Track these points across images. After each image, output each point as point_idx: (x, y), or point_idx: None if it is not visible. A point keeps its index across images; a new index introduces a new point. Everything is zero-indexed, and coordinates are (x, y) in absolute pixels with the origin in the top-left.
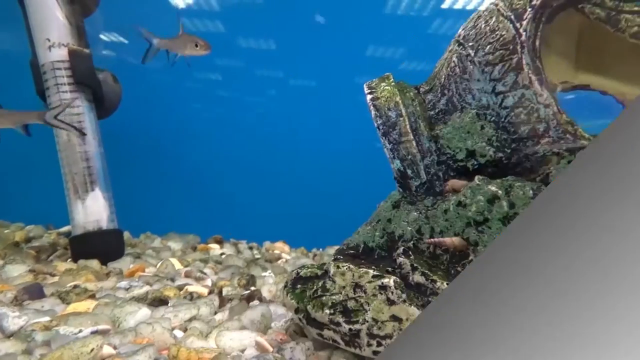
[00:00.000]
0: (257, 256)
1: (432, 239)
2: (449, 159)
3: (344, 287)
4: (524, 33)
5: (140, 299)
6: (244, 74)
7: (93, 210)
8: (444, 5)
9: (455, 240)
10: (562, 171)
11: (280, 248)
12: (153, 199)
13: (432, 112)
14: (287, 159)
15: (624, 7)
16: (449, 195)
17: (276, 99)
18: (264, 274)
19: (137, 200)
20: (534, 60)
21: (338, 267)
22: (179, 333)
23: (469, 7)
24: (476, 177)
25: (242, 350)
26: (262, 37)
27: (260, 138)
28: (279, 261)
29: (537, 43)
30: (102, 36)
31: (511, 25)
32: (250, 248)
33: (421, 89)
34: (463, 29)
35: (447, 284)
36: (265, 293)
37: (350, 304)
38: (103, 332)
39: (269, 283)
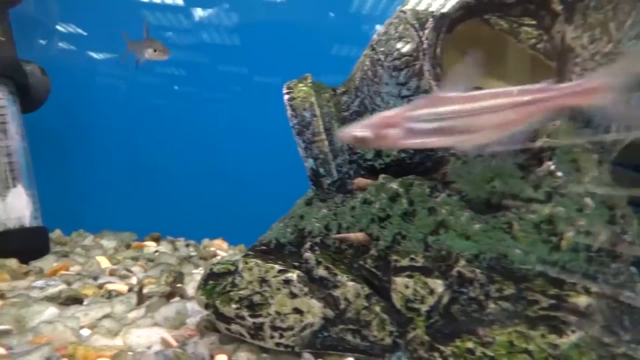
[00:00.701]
0: (193, 253)
1: (338, 235)
2: (359, 158)
3: (251, 282)
4: (426, 41)
5: (52, 298)
6: (188, 68)
7: (15, 207)
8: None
9: (359, 235)
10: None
11: (218, 245)
12: (89, 196)
13: (347, 113)
14: (233, 156)
15: (524, 20)
16: (357, 192)
17: (231, 95)
18: (194, 271)
19: (72, 197)
20: (435, 67)
21: (246, 262)
22: (86, 332)
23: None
24: (380, 176)
25: (149, 347)
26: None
27: (207, 134)
28: (214, 258)
29: (438, 51)
30: (58, 27)
31: (415, 34)
32: (187, 245)
33: (338, 91)
34: (377, 35)
35: (347, 277)
36: (190, 290)
37: (256, 298)
38: (3, 333)
39: (197, 280)
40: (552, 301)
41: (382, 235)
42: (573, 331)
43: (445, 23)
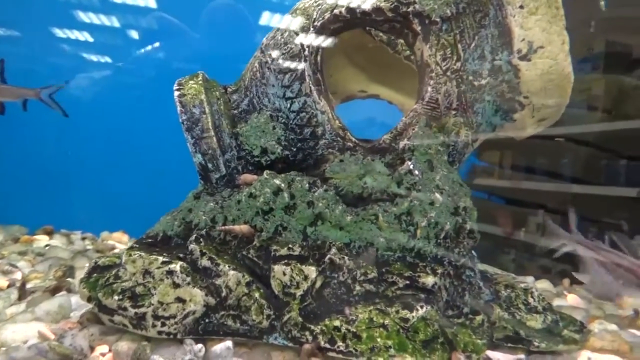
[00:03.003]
0: (89, 247)
1: (223, 227)
2: (247, 154)
3: (134, 274)
4: (307, 48)
5: None
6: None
7: None
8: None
9: (244, 227)
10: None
11: (118, 238)
12: None
13: (236, 111)
14: (137, 147)
15: None
16: (244, 187)
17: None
18: (88, 264)
19: None
20: (315, 73)
21: (130, 255)
22: None
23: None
24: (265, 172)
25: (25, 342)
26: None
27: (109, 122)
28: (111, 252)
29: (319, 58)
30: None
31: (299, 41)
32: (84, 239)
33: (228, 89)
34: (266, 39)
35: (229, 266)
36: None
37: (139, 289)
38: None
39: None
40: (407, 282)
41: (265, 227)
42: (422, 306)
43: (326, 33)
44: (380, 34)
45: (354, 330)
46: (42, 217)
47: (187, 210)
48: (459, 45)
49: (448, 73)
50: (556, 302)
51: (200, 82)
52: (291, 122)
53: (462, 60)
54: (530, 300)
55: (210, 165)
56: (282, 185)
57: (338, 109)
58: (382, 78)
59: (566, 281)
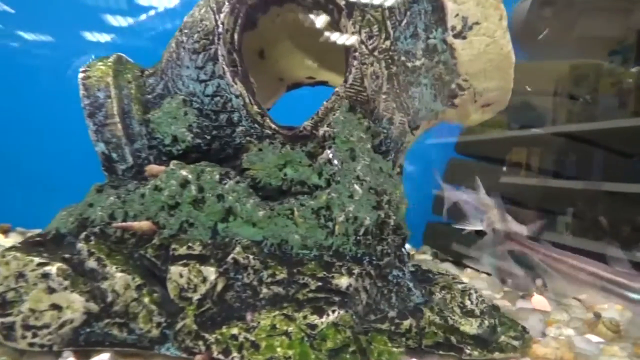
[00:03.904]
0: None
1: (119, 223)
2: (159, 143)
3: (7, 277)
4: (222, 25)
5: None
6: None
7: None
8: None
9: (144, 224)
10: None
11: None
12: None
13: (150, 96)
14: (39, 135)
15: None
16: (151, 179)
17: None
18: None
19: None
20: (231, 53)
21: (3, 256)
22: None
23: None
24: (171, 162)
25: None
26: None
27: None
28: None
29: (236, 37)
30: None
31: (213, 17)
32: None
33: (146, 72)
34: (187, 16)
35: (117, 268)
36: None
37: (10, 295)
38: None
39: None
40: (319, 284)
41: (169, 223)
42: (334, 311)
43: (243, 9)
44: (322, 14)
45: (253, 338)
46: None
47: (86, 205)
48: (388, 22)
49: (375, 53)
50: (519, 304)
51: (111, 63)
52: (206, 107)
53: (392, 38)
54: (468, 302)
55: (115, 155)
56: (190, 176)
57: (286, 97)
58: (332, 64)
59: (539, 281)
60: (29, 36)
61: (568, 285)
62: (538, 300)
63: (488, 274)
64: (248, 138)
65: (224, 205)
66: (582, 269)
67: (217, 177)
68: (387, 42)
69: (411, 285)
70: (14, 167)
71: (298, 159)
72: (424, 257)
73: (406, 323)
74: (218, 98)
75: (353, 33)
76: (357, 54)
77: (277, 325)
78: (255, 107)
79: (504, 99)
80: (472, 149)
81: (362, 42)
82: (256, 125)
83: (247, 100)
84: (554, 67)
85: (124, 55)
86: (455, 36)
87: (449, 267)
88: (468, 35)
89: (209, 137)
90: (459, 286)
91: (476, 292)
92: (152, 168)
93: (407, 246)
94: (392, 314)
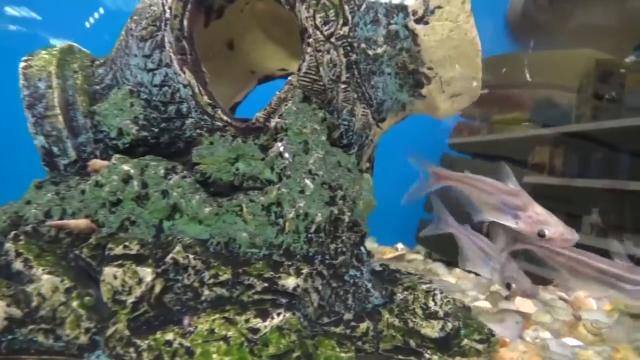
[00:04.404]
0: None
1: (55, 222)
2: (105, 137)
3: None
4: (169, 11)
5: None
6: None
7: None
8: None
9: (81, 222)
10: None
11: None
12: None
13: (98, 87)
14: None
15: None
16: (93, 175)
17: None
18: None
19: None
20: (179, 40)
21: None
22: None
23: None
24: (114, 157)
25: None
26: None
27: None
28: None
29: (185, 23)
30: None
31: (161, 2)
32: None
33: (96, 62)
34: (139, 2)
35: (44, 269)
36: None
37: None
38: None
39: None
40: (265, 284)
41: (108, 221)
42: (279, 314)
43: None
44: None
45: (188, 344)
46: None
47: (24, 202)
48: (346, 7)
49: (332, 39)
50: (503, 306)
51: (56, 52)
52: (154, 98)
53: (351, 24)
54: (431, 304)
55: (55, 149)
56: (133, 171)
57: (257, 90)
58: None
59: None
60: None
61: (576, 280)
62: (522, 302)
63: (476, 274)
64: (198, 131)
65: (168, 202)
66: (585, 264)
67: (162, 172)
68: (345, 28)
69: (370, 285)
70: None
71: (250, 153)
72: (415, 257)
73: (363, 326)
74: (166, 88)
75: (307, 18)
76: (311, 40)
77: (216, 330)
78: (205, 98)
79: (474, 89)
80: (466, 147)
81: (316, 27)
82: (206, 117)
83: (196, 90)
84: (551, 56)
85: (76, 44)
86: (417, 21)
87: (438, 267)
88: (430, 20)
89: (156, 130)
90: (423, 287)
91: (441, 292)
92: (96, 163)
93: (400, 245)
94: (348, 316)
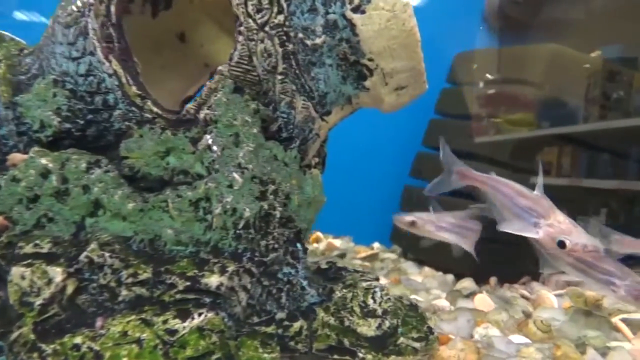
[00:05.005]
0: None
1: None
2: (28, 129)
3: None
4: None
5: None
6: None
7: None
8: None
9: None
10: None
11: None
12: None
13: (24, 77)
14: None
15: None
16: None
17: None
18: None
19: None
20: (105, 26)
21: None
22: None
23: None
24: (32, 150)
25: None
26: None
27: None
28: None
29: (112, 9)
30: None
31: None
32: None
33: (25, 51)
34: None
35: None
36: None
37: None
38: None
39: None
40: (188, 283)
41: (23, 218)
42: (200, 314)
43: None
44: None
45: (98, 348)
46: None
47: None
48: None
49: (266, 28)
50: (461, 304)
51: None
52: (80, 88)
53: (287, 13)
54: (370, 301)
55: None
56: (52, 165)
57: None
58: None
59: (493, 280)
60: None
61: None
62: (481, 300)
63: (445, 272)
64: (127, 123)
65: (89, 198)
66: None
67: (84, 166)
68: (281, 17)
69: (305, 283)
70: None
71: (181, 146)
72: (389, 256)
73: (296, 325)
74: (92, 78)
75: (238, 5)
76: (242, 28)
77: (130, 332)
78: (133, 88)
79: (419, 81)
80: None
81: (248, 15)
82: (134, 109)
83: (123, 80)
84: (517, 52)
85: (7, 33)
86: (354, 10)
87: (409, 266)
88: (367, 9)
89: (82, 122)
90: (364, 284)
91: (382, 290)
92: (15, 157)
93: (376, 245)
94: (280, 315)
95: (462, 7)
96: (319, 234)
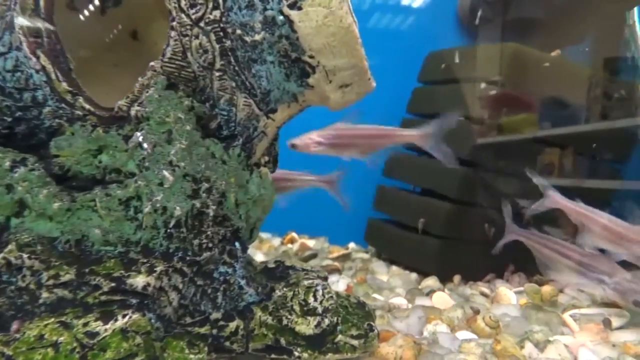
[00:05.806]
0: None
1: None
2: None
3: None
4: None
5: None
6: None
7: None
8: None
9: None
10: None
11: None
12: None
13: None
14: None
15: None
16: None
17: None
18: None
19: None
20: (33, 21)
21: None
22: None
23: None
24: None
25: None
26: None
27: None
28: None
29: (42, 3)
30: None
31: None
32: None
33: None
34: None
35: None
36: None
37: None
38: None
39: None
40: (113, 284)
41: None
42: (125, 315)
43: None
44: None
45: (10, 353)
46: None
47: None
48: None
49: (201, 24)
50: (419, 302)
51: None
52: (7, 84)
53: (223, 8)
54: (311, 300)
55: None
56: None
57: None
58: None
59: (457, 278)
60: None
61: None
62: (439, 297)
63: (413, 271)
64: (58, 120)
65: (13, 197)
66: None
67: (8, 164)
68: (217, 12)
69: (243, 282)
70: None
71: (113, 144)
72: (361, 256)
73: (232, 325)
74: (19, 74)
75: (170, 0)
76: (175, 24)
77: (46, 336)
78: (64, 85)
79: (363, 79)
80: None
81: (181, 10)
82: (64, 106)
83: (52, 76)
84: (478, 51)
85: None
86: (290, 6)
87: (379, 266)
88: (303, 5)
89: (10, 119)
90: (306, 282)
91: (324, 288)
92: None
93: (352, 245)
94: (216, 315)
95: (437, 6)
96: (294, 234)
